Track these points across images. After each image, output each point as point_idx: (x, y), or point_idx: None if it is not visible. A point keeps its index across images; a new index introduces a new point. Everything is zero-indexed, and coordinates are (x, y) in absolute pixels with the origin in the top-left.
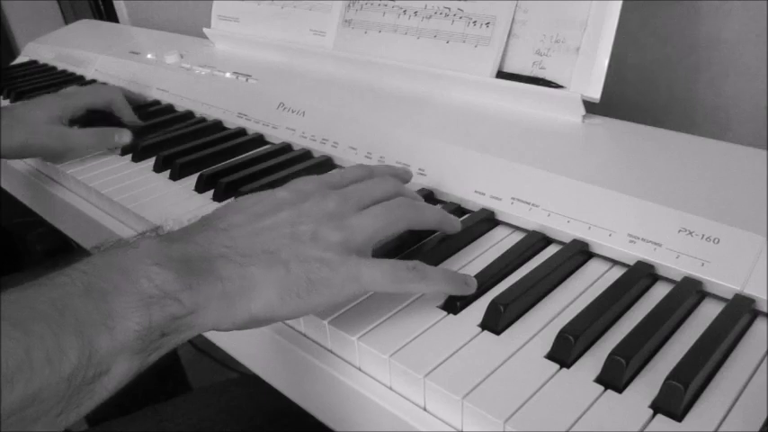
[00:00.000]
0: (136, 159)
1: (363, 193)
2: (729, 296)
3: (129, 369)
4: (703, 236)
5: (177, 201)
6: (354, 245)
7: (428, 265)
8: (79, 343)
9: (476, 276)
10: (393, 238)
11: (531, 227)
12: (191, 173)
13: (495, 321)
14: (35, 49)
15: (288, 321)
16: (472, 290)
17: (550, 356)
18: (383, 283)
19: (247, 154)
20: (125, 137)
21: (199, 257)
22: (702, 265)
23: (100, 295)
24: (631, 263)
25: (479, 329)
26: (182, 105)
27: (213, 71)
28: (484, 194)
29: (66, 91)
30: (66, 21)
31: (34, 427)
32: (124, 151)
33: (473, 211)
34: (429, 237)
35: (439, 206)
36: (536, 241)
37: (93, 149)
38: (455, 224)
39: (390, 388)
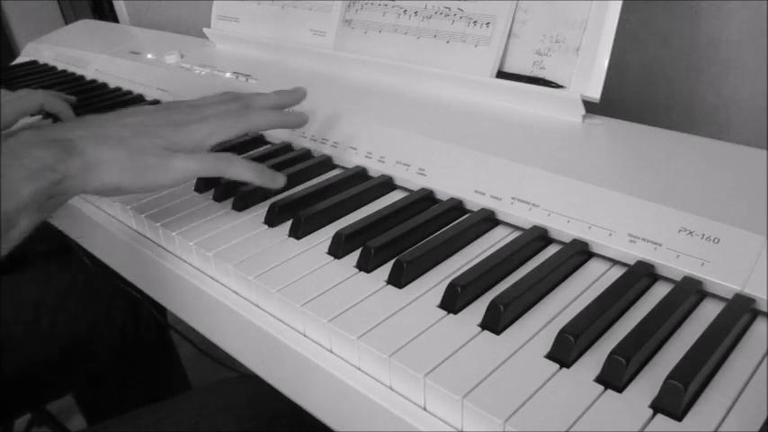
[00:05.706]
0: None
1: (207, 109)
2: (729, 296)
3: (31, 222)
4: (703, 236)
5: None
6: (185, 144)
7: (237, 156)
8: None
9: (477, 275)
10: (234, 138)
11: (530, 227)
12: None
13: (496, 321)
14: (35, 49)
15: (290, 323)
16: (279, 184)
17: (550, 356)
18: (196, 168)
19: (248, 154)
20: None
21: (64, 139)
22: (702, 264)
23: (3, 174)
24: (631, 263)
25: (479, 329)
26: None
27: (213, 71)
28: (484, 194)
29: None
30: (66, 21)
31: None
32: None
33: (473, 211)
34: (433, 234)
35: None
36: (536, 237)
37: None
38: (295, 120)
39: (390, 387)
